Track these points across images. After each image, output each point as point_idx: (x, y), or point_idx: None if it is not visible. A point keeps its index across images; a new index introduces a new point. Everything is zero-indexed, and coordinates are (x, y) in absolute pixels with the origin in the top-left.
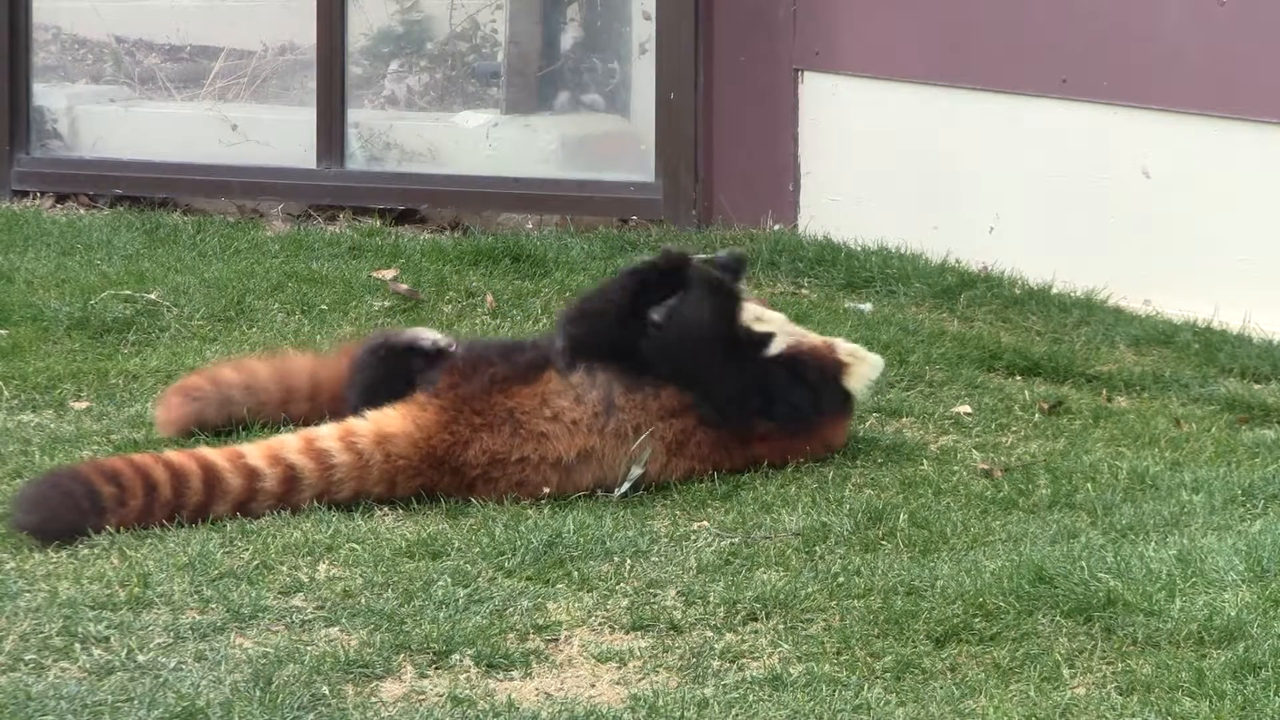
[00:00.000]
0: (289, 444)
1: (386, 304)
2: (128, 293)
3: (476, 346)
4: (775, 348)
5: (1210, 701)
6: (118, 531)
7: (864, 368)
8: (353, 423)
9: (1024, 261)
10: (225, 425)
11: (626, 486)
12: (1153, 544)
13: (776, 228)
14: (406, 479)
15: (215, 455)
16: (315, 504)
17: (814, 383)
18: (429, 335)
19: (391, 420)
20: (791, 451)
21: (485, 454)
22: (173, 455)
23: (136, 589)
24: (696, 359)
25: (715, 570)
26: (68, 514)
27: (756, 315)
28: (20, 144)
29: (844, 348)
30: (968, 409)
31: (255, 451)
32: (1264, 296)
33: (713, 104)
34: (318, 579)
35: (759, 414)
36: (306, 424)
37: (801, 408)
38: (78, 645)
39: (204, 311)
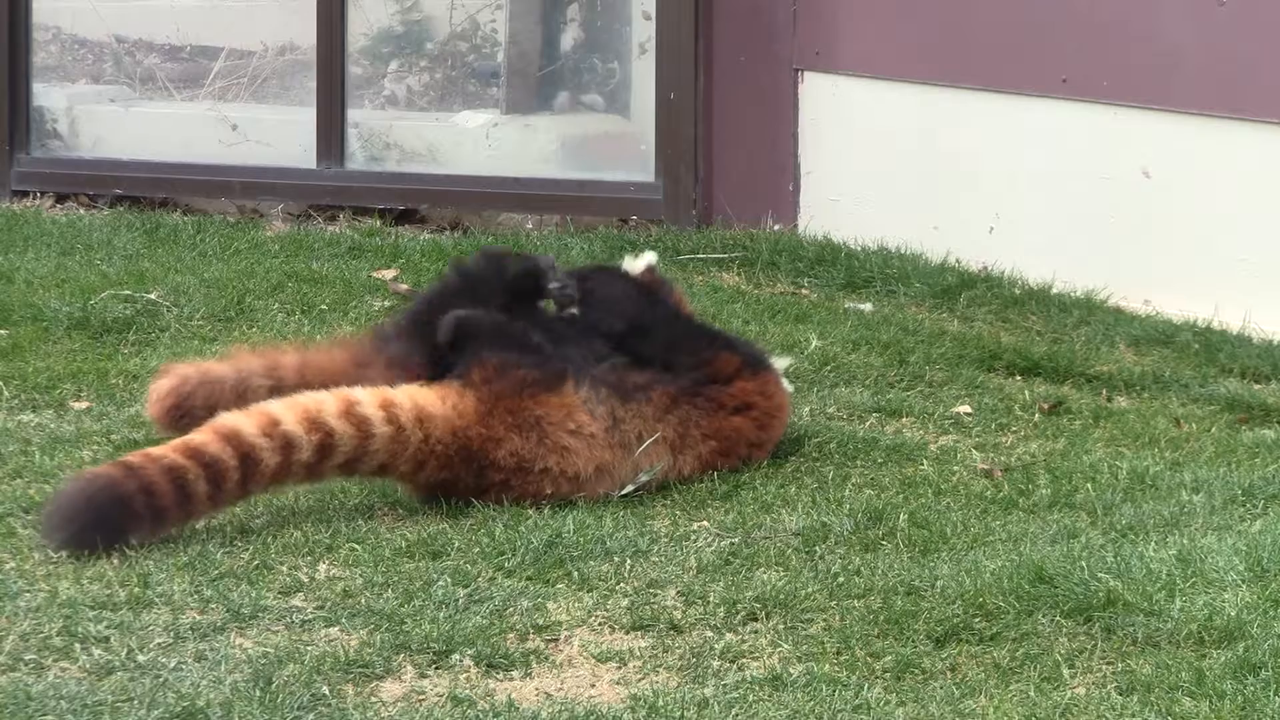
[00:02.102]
0: (327, 406)
1: (386, 304)
2: (128, 293)
3: (500, 338)
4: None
5: (1210, 701)
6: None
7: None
8: (390, 394)
9: (1024, 261)
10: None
11: (631, 489)
12: (1153, 544)
13: (776, 228)
14: (436, 466)
15: (249, 430)
16: (322, 500)
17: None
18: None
19: (430, 400)
20: (769, 389)
21: (514, 458)
22: (205, 443)
23: (136, 589)
24: (633, 316)
25: (715, 570)
26: (102, 534)
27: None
28: (20, 144)
29: None
30: (968, 409)
31: (290, 416)
32: (1264, 296)
33: (713, 104)
34: (318, 579)
35: (719, 350)
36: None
37: (751, 349)
38: (78, 645)
39: (204, 311)
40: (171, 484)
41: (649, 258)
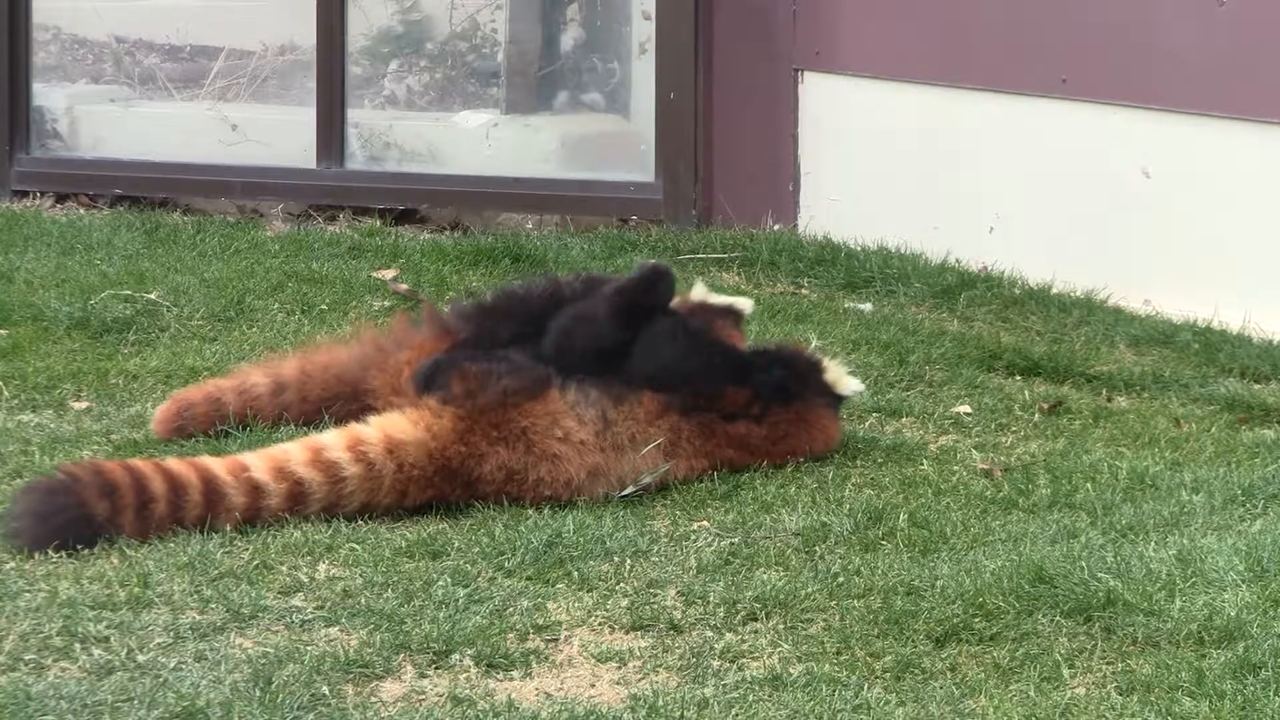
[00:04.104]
0: (294, 455)
1: (386, 304)
2: (128, 293)
3: (481, 353)
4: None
5: (1210, 701)
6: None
7: (846, 378)
8: (359, 430)
9: (1024, 261)
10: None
11: (631, 489)
12: (1153, 544)
13: (776, 228)
14: (419, 489)
15: (217, 467)
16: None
17: (788, 360)
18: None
19: (402, 427)
20: (780, 432)
21: (502, 470)
22: (174, 465)
23: (136, 589)
24: (672, 366)
25: (715, 570)
26: (62, 534)
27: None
28: (20, 144)
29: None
30: (968, 409)
31: (259, 464)
32: (1264, 296)
33: (713, 104)
34: (318, 579)
35: (731, 383)
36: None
37: (779, 381)
38: (78, 645)
39: (204, 311)
40: (133, 489)
41: (743, 305)
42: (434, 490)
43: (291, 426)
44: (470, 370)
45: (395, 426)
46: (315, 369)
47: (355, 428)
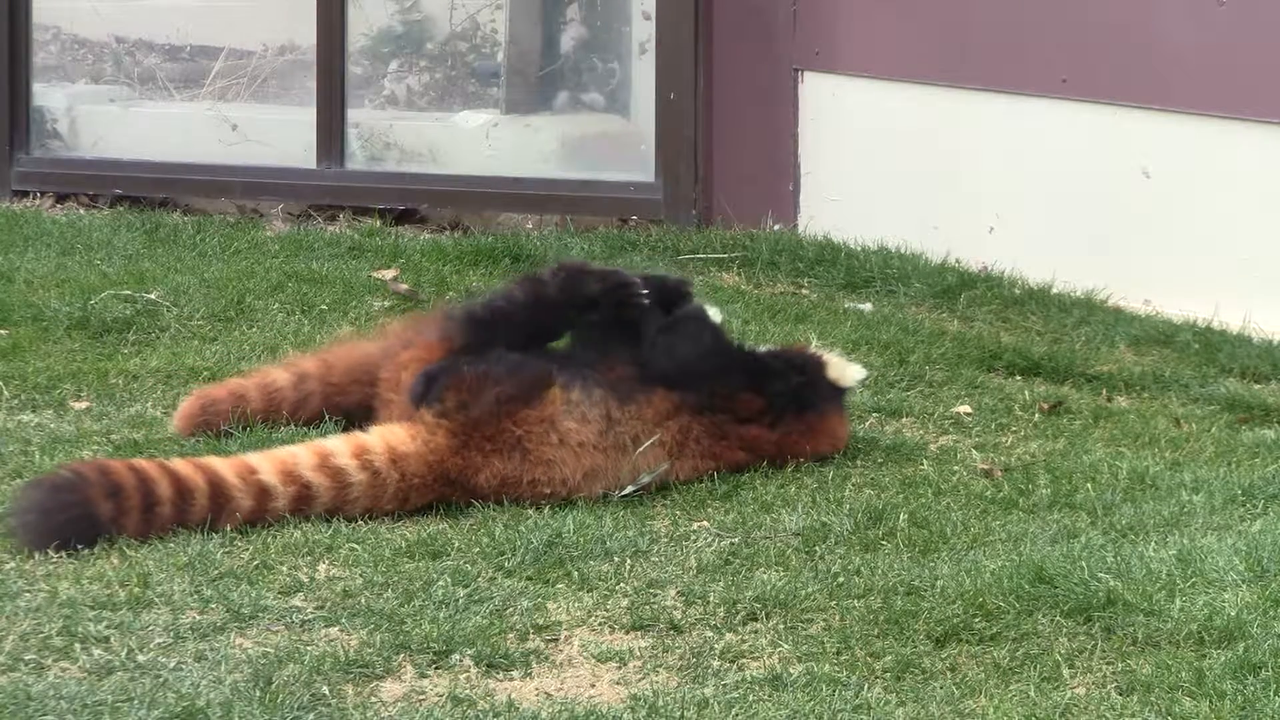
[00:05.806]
0: (302, 459)
1: (386, 304)
2: (128, 293)
3: (478, 357)
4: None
5: (1210, 701)
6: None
7: (848, 368)
8: (363, 439)
9: (1024, 261)
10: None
11: (631, 489)
12: (1153, 544)
13: (776, 228)
14: (419, 496)
15: (224, 469)
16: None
17: (800, 366)
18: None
19: (402, 440)
20: (791, 439)
21: (497, 478)
22: (181, 467)
23: (136, 589)
24: (689, 365)
25: (715, 570)
26: (65, 531)
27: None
28: (20, 144)
29: (820, 350)
30: (968, 409)
31: (267, 466)
32: (1264, 296)
33: (713, 104)
34: (318, 579)
35: (747, 390)
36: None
37: (794, 391)
38: (78, 645)
39: (204, 311)
40: (139, 491)
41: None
42: (434, 494)
43: (291, 427)
44: (466, 377)
45: (396, 438)
46: (336, 359)
47: (359, 436)
